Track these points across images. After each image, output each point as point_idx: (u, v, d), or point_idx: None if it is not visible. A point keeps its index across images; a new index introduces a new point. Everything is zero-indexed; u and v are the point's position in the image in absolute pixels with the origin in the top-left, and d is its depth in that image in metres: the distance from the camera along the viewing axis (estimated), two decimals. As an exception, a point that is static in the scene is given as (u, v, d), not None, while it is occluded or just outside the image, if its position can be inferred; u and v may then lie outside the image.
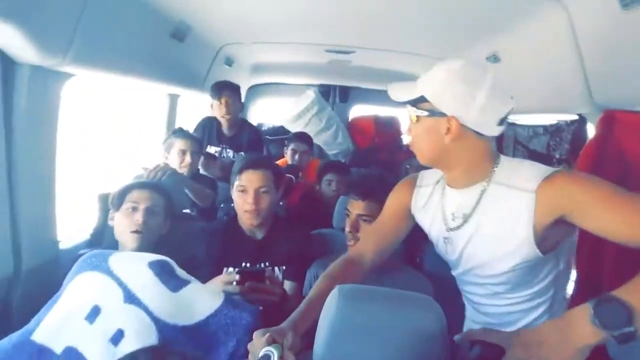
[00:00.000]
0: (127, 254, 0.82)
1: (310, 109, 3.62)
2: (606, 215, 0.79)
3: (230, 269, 1.45)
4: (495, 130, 0.92)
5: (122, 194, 1.45)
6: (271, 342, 0.77)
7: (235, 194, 1.51)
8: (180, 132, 2.12)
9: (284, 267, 1.53)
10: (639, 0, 0.96)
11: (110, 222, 1.47)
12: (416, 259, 1.66)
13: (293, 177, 2.38)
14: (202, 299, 0.80)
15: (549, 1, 1.25)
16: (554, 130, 1.74)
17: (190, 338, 0.76)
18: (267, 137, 3.72)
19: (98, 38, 1.38)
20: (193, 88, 2.52)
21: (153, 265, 0.78)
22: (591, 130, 1.37)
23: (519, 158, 1.05)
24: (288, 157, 2.78)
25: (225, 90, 2.47)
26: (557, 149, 1.69)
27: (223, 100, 2.45)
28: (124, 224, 1.41)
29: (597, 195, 0.80)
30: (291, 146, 2.77)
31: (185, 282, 0.80)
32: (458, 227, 0.99)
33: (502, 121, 0.91)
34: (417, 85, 0.95)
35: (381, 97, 4.08)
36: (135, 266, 0.78)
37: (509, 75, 1.78)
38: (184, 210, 1.94)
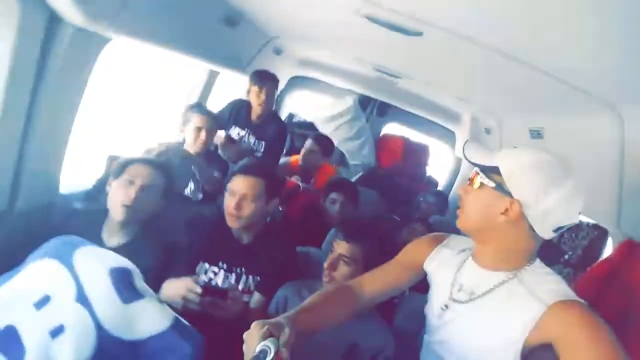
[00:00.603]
0: (95, 251, 0.83)
1: (345, 115, 3.57)
2: None
3: (202, 277, 1.46)
4: (548, 235, 0.90)
5: (124, 165, 1.46)
6: (268, 335, 0.78)
7: (225, 195, 1.52)
8: (198, 108, 2.11)
9: (258, 278, 1.53)
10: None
11: (107, 188, 1.49)
12: (391, 311, 1.62)
13: (301, 185, 2.35)
14: (149, 317, 0.80)
15: (602, 104, 1.15)
16: (574, 226, 1.64)
17: (126, 353, 0.77)
18: (296, 130, 3.70)
19: (147, 11, 1.38)
20: (234, 69, 2.52)
21: (113, 272, 0.79)
22: (608, 248, 1.28)
23: None
24: (301, 155, 2.74)
25: (269, 81, 2.45)
26: (568, 247, 1.59)
27: (264, 89, 2.43)
28: (117, 195, 1.43)
29: (593, 349, 0.77)
30: (307, 145, 2.69)
31: (140, 296, 0.80)
32: (461, 302, 0.97)
33: (558, 229, 0.89)
34: (495, 155, 0.93)
35: (418, 121, 4.03)
36: (96, 267, 0.79)
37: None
38: (186, 193, 1.97)
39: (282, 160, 2.97)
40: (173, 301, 1.16)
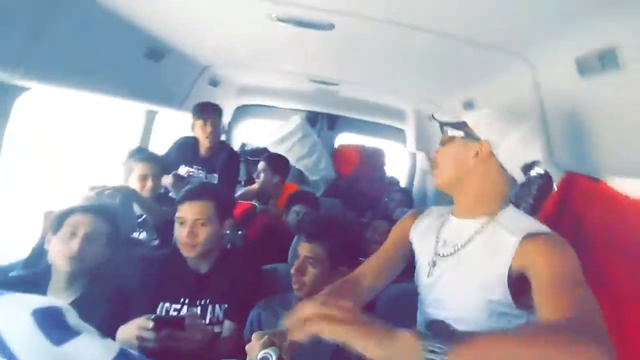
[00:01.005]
0: (14, 297, 0.74)
1: (295, 134, 3.59)
2: (547, 299, 0.76)
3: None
4: (517, 173, 0.98)
5: (62, 217, 1.37)
6: (269, 344, 0.76)
7: (175, 225, 1.44)
8: (139, 154, 2.04)
9: (225, 305, 1.44)
10: (594, 69, 0.93)
11: (46, 246, 1.37)
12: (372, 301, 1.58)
13: (257, 205, 2.30)
14: (88, 355, 0.71)
15: (514, 58, 1.22)
16: (524, 181, 1.69)
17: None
18: (249, 158, 3.67)
19: (58, 51, 1.32)
20: (171, 106, 2.48)
21: (37, 313, 0.70)
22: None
23: None
24: (256, 178, 2.69)
25: (212, 112, 2.41)
26: (522, 202, 1.63)
27: (208, 122, 2.38)
28: (59, 250, 1.32)
29: (556, 276, 0.79)
30: (259, 167, 2.66)
31: (74, 334, 0.72)
32: (446, 255, 1.01)
33: (525, 169, 0.98)
34: (461, 116, 1.01)
35: (369, 128, 4.13)
36: (15, 313, 0.70)
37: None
38: (133, 235, 1.86)
39: (241, 191, 2.92)
40: (130, 344, 1.07)
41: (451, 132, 1.02)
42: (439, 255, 1.03)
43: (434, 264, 1.03)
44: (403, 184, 3.90)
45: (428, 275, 1.04)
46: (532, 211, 1.50)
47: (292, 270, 1.35)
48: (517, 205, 1.73)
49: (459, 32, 1.16)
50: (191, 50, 2.11)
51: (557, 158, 1.21)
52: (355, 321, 0.62)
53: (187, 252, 1.42)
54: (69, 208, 1.41)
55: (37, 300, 0.73)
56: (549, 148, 1.24)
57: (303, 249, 1.36)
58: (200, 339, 1.11)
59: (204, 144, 2.47)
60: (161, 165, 2.07)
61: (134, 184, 1.97)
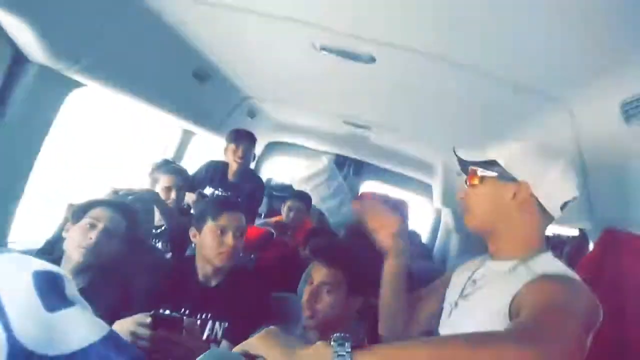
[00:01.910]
0: (18, 256, 0.72)
1: (321, 174, 3.61)
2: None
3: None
4: (557, 212, 0.92)
5: (85, 208, 1.40)
6: None
7: (209, 235, 1.42)
8: (165, 166, 2.09)
9: (226, 324, 1.37)
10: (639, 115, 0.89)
11: (64, 234, 1.40)
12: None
13: (274, 232, 2.26)
14: (77, 328, 0.67)
15: (554, 104, 1.20)
16: (555, 242, 1.59)
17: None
18: (273, 192, 3.70)
19: (114, 54, 1.43)
20: (207, 128, 2.58)
21: (38, 274, 0.68)
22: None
23: None
24: (284, 214, 2.70)
25: (245, 137, 2.49)
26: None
27: (241, 147, 2.45)
28: (77, 238, 1.35)
29: (540, 301, 0.74)
30: (288, 202, 2.70)
31: (69, 304, 0.69)
32: (467, 295, 0.96)
33: (564, 205, 0.92)
34: (484, 152, 0.95)
35: (396, 178, 4.11)
36: (16, 272, 0.68)
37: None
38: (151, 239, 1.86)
39: (260, 221, 2.91)
40: None
41: (482, 172, 0.95)
42: (463, 295, 0.97)
43: (455, 305, 0.98)
44: (425, 239, 3.77)
45: (447, 317, 0.99)
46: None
47: (305, 297, 1.27)
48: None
49: (500, 72, 1.16)
50: (235, 78, 2.23)
51: (598, 214, 1.13)
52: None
53: (224, 261, 1.40)
54: (93, 200, 1.45)
55: (41, 263, 0.71)
56: (588, 203, 1.16)
57: (319, 274, 1.27)
58: (195, 348, 1.04)
59: (233, 167, 2.52)
60: (185, 179, 2.11)
61: (160, 194, 2.01)
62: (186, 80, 1.95)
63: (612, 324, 1.00)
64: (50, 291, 0.69)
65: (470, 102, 1.55)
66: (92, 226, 1.37)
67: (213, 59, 1.92)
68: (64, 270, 1.31)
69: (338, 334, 0.61)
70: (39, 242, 1.61)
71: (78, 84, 1.46)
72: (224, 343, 1.34)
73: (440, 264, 3.23)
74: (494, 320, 0.80)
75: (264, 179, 3.96)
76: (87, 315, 0.71)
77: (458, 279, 1.05)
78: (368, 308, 1.66)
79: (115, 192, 1.68)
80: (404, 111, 2.05)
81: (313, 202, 3.51)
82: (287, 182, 3.81)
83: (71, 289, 0.72)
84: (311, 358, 0.61)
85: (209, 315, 1.38)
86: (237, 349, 0.65)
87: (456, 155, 1.00)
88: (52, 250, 1.56)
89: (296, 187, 3.61)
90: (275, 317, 1.44)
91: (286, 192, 3.59)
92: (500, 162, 0.92)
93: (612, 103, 0.98)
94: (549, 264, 0.89)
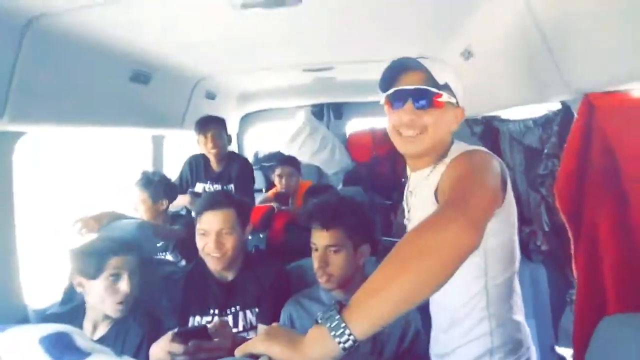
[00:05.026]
0: (22, 329, 0.73)
1: (303, 130, 3.55)
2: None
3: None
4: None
5: (100, 261, 1.30)
6: None
7: (197, 237, 1.42)
8: (139, 181, 2.04)
9: (256, 310, 1.41)
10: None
11: (78, 289, 1.35)
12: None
13: (275, 206, 2.26)
14: (99, 377, 0.69)
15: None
16: (543, 122, 1.56)
17: None
18: (264, 164, 3.66)
19: (38, 91, 1.33)
20: (172, 127, 2.49)
21: (44, 340, 0.69)
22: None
23: (516, 155, 1.21)
24: (276, 183, 2.68)
25: (210, 124, 2.39)
26: (546, 143, 1.50)
27: (209, 135, 2.37)
28: (104, 295, 1.29)
29: (455, 175, 0.84)
30: (277, 171, 2.66)
31: (85, 355, 0.69)
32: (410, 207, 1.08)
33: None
34: (431, 71, 0.93)
35: (377, 109, 3.98)
36: (23, 344, 0.69)
37: (484, 70, 1.63)
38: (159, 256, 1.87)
39: (260, 198, 2.91)
40: None
41: (447, 98, 0.94)
42: (408, 208, 1.10)
43: (408, 220, 1.10)
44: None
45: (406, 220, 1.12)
46: (559, 150, 1.37)
47: (315, 265, 1.28)
48: (543, 148, 1.60)
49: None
50: (178, 67, 2.10)
51: (571, 82, 1.08)
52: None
53: (214, 264, 1.40)
54: (103, 252, 1.34)
55: (43, 329, 0.71)
56: (559, 75, 1.11)
57: (320, 239, 1.28)
58: (230, 346, 1.07)
59: (211, 158, 2.46)
60: (157, 186, 2.06)
61: (139, 208, 2.02)
62: (128, 89, 1.84)
63: (609, 187, 1.00)
64: (62, 350, 0.69)
65: (417, 12, 1.45)
66: (117, 276, 1.31)
67: (148, 58, 1.79)
68: (90, 317, 1.35)
69: (320, 312, 0.64)
70: (56, 295, 1.63)
71: (20, 133, 1.39)
72: (260, 327, 1.38)
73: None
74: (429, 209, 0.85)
75: (251, 152, 3.92)
76: (106, 358, 0.72)
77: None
78: (383, 249, 1.70)
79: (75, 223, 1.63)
80: (356, 41, 1.94)
81: (306, 160, 3.50)
82: (273, 150, 3.75)
83: (81, 340, 0.72)
84: (310, 342, 0.62)
85: (237, 308, 1.41)
86: (239, 352, 0.65)
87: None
88: (71, 298, 1.57)
89: (283, 151, 3.56)
90: (297, 287, 1.47)
91: (275, 160, 3.56)
92: (452, 85, 0.95)
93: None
94: (455, 151, 0.96)
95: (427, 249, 0.61)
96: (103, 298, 1.30)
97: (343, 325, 0.59)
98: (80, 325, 1.36)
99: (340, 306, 0.62)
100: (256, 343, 0.65)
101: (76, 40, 1.38)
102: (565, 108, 1.25)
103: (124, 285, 1.30)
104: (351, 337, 0.58)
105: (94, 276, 1.30)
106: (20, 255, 1.44)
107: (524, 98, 1.39)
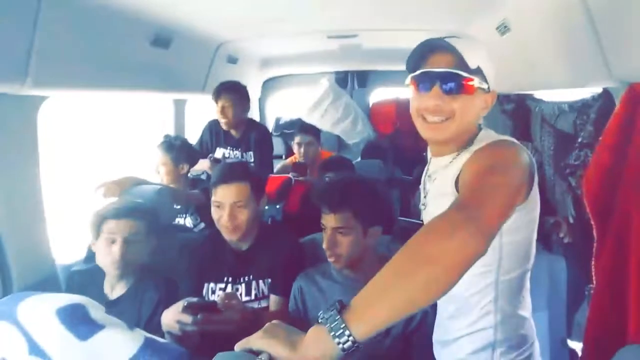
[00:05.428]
0: (39, 298, 0.77)
1: (325, 98, 3.46)
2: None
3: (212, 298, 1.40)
4: None
5: (98, 225, 1.38)
6: None
7: (212, 209, 1.44)
8: (161, 144, 2.07)
9: (269, 280, 1.45)
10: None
11: (92, 248, 1.43)
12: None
13: (293, 176, 2.25)
14: (114, 347, 0.73)
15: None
16: (580, 107, 1.45)
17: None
18: (285, 130, 3.63)
19: (59, 55, 1.33)
20: (194, 91, 2.48)
21: (60, 311, 0.73)
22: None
23: (546, 139, 1.16)
24: (295, 152, 2.66)
25: (223, 92, 2.32)
26: (583, 129, 1.41)
27: (220, 104, 2.33)
28: (103, 256, 1.38)
29: (474, 170, 0.80)
30: (296, 139, 2.63)
31: (99, 327, 0.73)
32: (427, 192, 1.04)
33: None
34: (462, 54, 0.87)
35: (403, 78, 3.82)
36: (41, 314, 0.73)
37: (520, 46, 1.52)
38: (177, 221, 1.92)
39: (278, 166, 2.90)
40: (173, 329, 1.10)
41: (479, 83, 0.88)
42: (425, 194, 1.05)
43: (424, 206, 1.06)
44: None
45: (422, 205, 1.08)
46: (595, 140, 1.28)
47: (324, 245, 1.28)
48: (575, 135, 1.51)
49: None
50: (199, 30, 2.05)
51: (616, 70, 0.99)
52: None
53: (229, 235, 1.42)
54: (101, 214, 1.40)
55: (59, 299, 0.75)
56: (603, 60, 1.01)
57: (329, 221, 1.26)
58: (239, 319, 1.11)
59: (224, 126, 2.41)
60: (180, 150, 2.08)
61: (161, 171, 2.06)
62: (149, 53, 1.81)
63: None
64: (77, 321, 0.73)
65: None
66: (111, 241, 1.37)
67: (169, 21, 1.75)
68: (109, 278, 1.43)
69: (321, 311, 0.63)
70: (81, 251, 1.72)
71: (41, 98, 1.41)
72: (273, 297, 1.43)
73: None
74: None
75: (272, 119, 3.88)
76: (120, 330, 0.75)
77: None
78: (399, 230, 1.68)
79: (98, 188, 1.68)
80: (384, 9, 1.83)
81: (327, 128, 3.44)
82: (295, 116, 3.70)
83: (96, 312, 0.76)
84: (310, 341, 0.62)
85: (250, 277, 1.45)
86: (240, 346, 0.67)
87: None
88: (94, 256, 1.66)
89: (305, 119, 3.51)
90: (310, 261, 1.50)
91: (295, 127, 3.52)
92: (485, 70, 0.89)
93: None
94: (482, 139, 0.91)
95: (431, 256, 0.60)
96: (102, 256, 1.38)
97: (343, 326, 0.59)
98: (101, 283, 1.45)
99: (342, 306, 0.62)
100: (256, 339, 0.66)
101: (96, 2, 1.35)
102: (606, 95, 1.16)
103: (115, 249, 1.35)
104: (350, 338, 0.58)
105: (95, 236, 1.39)
106: (48, 213, 1.51)
107: (560, 81, 1.30)
